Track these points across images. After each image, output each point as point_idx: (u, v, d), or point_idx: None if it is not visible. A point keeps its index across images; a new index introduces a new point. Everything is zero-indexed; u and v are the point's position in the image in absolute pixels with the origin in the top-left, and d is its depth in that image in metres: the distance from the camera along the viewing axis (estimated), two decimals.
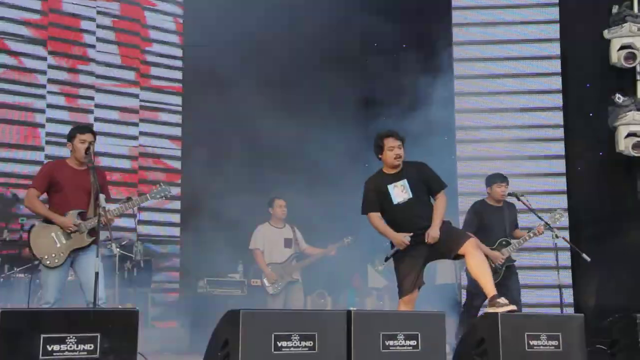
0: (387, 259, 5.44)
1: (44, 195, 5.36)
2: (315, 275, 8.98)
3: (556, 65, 9.59)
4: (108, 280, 7.88)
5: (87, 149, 5.20)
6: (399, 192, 5.36)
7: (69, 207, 5.21)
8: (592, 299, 8.56)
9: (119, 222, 9.10)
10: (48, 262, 5.09)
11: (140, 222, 9.41)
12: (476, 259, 5.17)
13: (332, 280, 9.69)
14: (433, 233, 5.24)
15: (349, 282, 10.25)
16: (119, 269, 8.09)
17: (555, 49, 9.64)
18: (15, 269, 7.21)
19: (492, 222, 6.55)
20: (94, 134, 5.39)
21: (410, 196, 5.36)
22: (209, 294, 8.17)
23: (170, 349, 7.73)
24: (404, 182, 5.38)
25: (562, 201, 9.09)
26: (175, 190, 9.89)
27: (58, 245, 5.14)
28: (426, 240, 5.24)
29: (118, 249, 7.74)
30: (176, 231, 9.82)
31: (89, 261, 5.01)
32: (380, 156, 5.46)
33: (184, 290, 8.89)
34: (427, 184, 5.45)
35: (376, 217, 5.42)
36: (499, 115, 9.62)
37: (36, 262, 5.35)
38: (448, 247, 5.26)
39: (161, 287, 8.90)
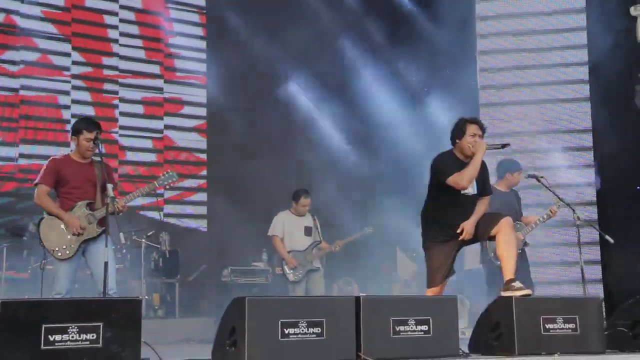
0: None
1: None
2: (341, 262, 8.98)
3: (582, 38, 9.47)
4: (136, 271, 8.07)
5: (95, 139, 5.22)
6: None
7: (76, 200, 5.25)
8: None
9: (146, 213, 9.25)
10: (59, 254, 5.14)
11: (167, 214, 9.50)
12: (506, 237, 5.07)
13: (360, 268, 9.66)
14: (470, 228, 5.16)
15: (377, 270, 10.21)
16: (144, 260, 8.21)
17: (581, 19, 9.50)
18: (43, 261, 7.31)
19: (503, 207, 6.44)
20: (101, 127, 5.41)
21: (475, 192, 5.28)
22: (234, 282, 8.20)
23: (195, 339, 7.79)
24: None
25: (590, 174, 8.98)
26: (202, 182, 9.99)
27: (68, 237, 5.17)
28: (461, 237, 5.17)
29: (127, 241, 7.77)
30: (202, 222, 9.89)
31: (99, 251, 5.04)
32: (458, 140, 5.28)
33: (209, 279, 8.94)
34: (482, 185, 5.36)
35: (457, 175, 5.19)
36: (525, 90, 9.52)
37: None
38: (483, 229, 5.18)
39: (187, 277, 8.95)
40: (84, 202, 5.27)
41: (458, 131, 5.30)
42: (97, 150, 5.25)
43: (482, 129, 5.30)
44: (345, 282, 9.49)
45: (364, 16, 10.34)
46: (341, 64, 10.32)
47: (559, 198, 6.20)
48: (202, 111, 10.19)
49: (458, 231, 5.17)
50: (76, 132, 5.34)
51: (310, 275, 7.31)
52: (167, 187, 5.69)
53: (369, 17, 10.39)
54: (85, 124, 5.41)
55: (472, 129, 5.25)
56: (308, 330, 4.17)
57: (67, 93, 9.35)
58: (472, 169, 5.14)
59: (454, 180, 5.14)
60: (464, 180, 5.13)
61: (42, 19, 9.29)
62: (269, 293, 7.86)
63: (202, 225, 9.89)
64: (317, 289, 7.26)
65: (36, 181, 5.32)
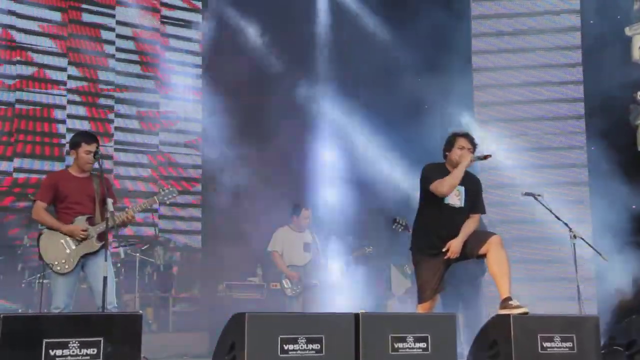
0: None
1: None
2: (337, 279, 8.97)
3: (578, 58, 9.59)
4: (130, 284, 8.05)
5: (95, 154, 5.23)
6: (454, 195, 5.28)
7: (75, 215, 5.25)
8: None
9: (140, 228, 9.21)
10: (58, 269, 5.12)
11: (162, 230, 9.48)
12: (496, 255, 5.07)
13: (354, 284, 9.65)
14: (455, 247, 5.17)
15: (372, 286, 10.20)
16: (139, 274, 8.19)
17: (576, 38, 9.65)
18: (36, 274, 7.30)
19: None
20: (98, 141, 5.43)
21: (462, 205, 5.31)
22: (229, 297, 8.20)
23: (189, 354, 7.75)
24: (462, 188, 5.31)
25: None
26: (196, 198, 9.98)
27: (68, 251, 5.18)
28: (447, 256, 5.17)
29: (137, 254, 7.80)
30: (197, 237, 9.87)
31: (99, 265, 5.03)
32: (447, 153, 5.37)
33: (203, 294, 8.92)
34: (474, 201, 5.39)
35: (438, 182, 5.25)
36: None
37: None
38: (471, 247, 5.20)
39: (181, 292, 8.92)
40: (83, 217, 5.27)
41: (447, 144, 5.41)
42: (97, 165, 5.25)
43: (472, 143, 5.37)
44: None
45: None
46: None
47: (556, 217, 6.23)
48: (198, 127, 10.19)
49: (444, 250, 5.18)
50: (75, 145, 5.35)
51: (308, 292, 7.32)
52: (167, 203, 5.68)
53: None
54: (83, 137, 5.43)
55: (460, 142, 5.35)
56: (307, 346, 4.18)
57: (62, 107, 9.35)
58: (453, 177, 5.20)
59: (434, 186, 5.21)
60: (444, 187, 5.18)
61: (38, 34, 9.30)
62: (264, 308, 7.85)
63: (197, 240, 9.86)
64: (314, 305, 7.26)
65: (34, 197, 5.32)
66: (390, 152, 9.74)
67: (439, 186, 5.20)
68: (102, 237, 5.21)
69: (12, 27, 9.15)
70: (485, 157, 5.39)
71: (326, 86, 10.16)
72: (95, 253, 5.22)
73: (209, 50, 10.27)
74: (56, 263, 5.13)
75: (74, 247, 5.20)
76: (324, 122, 10.10)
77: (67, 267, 5.13)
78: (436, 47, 9.54)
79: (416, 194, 5.59)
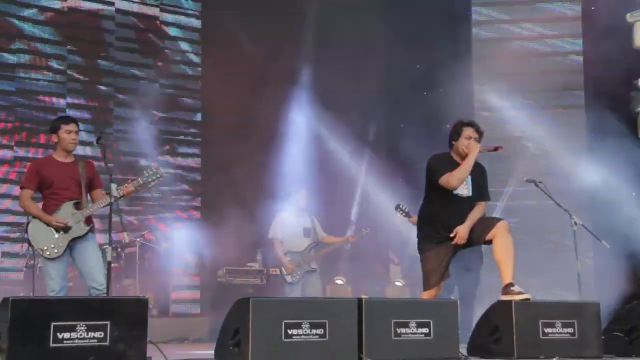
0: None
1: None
2: (335, 264, 9.01)
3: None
4: (130, 269, 8.09)
5: (99, 139, 5.28)
6: (462, 185, 5.25)
7: (62, 200, 5.27)
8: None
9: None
10: (48, 254, 5.16)
11: (161, 219, 9.48)
12: (503, 241, 5.05)
13: (353, 269, 9.70)
14: (463, 233, 5.15)
15: (370, 272, 10.25)
16: (139, 259, 8.20)
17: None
18: (31, 262, 7.30)
19: None
20: (77, 124, 5.43)
21: (470, 194, 5.30)
22: (228, 283, 8.22)
23: (190, 338, 7.80)
24: (469, 177, 5.28)
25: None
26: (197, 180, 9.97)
27: (56, 236, 5.21)
28: (454, 240, 5.17)
29: (138, 239, 7.82)
30: (197, 222, 9.87)
31: (87, 248, 5.19)
32: (453, 142, 5.33)
33: (203, 279, 8.95)
34: (480, 189, 5.38)
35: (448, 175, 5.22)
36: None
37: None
38: (478, 233, 5.18)
39: (181, 277, 8.95)
40: (70, 202, 5.28)
41: (454, 133, 5.35)
42: (100, 155, 5.28)
43: (479, 132, 5.34)
44: (338, 283, 9.53)
45: None
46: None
47: (556, 203, 6.26)
48: (197, 116, 10.15)
49: (451, 235, 5.20)
50: (55, 129, 5.34)
51: (307, 277, 7.34)
52: (151, 184, 5.61)
53: None
54: (61, 119, 5.47)
55: (467, 131, 5.30)
56: (311, 331, 4.20)
57: (62, 95, 9.29)
58: (463, 170, 5.18)
59: (444, 180, 5.18)
60: (454, 180, 5.17)
61: (37, 22, 9.23)
62: (264, 294, 7.89)
63: (197, 225, 9.84)
64: (313, 290, 7.29)
65: (20, 185, 5.36)
66: None
67: (450, 180, 5.18)
68: (89, 220, 5.28)
69: (12, 14, 9.11)
70: (496, 149, 5.38)
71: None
72: (83, 237, 5.25)
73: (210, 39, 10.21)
74: (45, 248, 5.15)
75: (62, 232, 5.22)
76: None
77: (56, 251, 5.16)
78: None
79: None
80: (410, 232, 6.51)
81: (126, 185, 5.31)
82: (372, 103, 10.23)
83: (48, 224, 5.17)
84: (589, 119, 9.32)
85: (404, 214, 7.34)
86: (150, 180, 5.48)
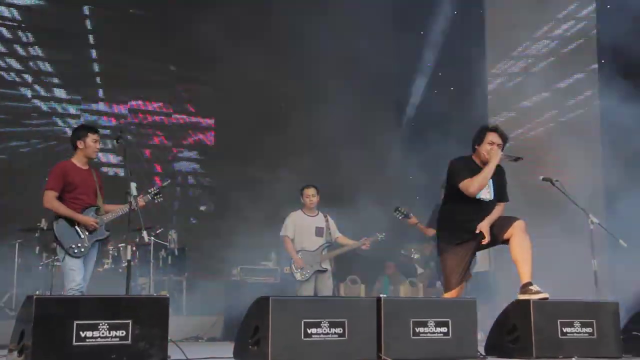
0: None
1: None
2: (348, 263, 8.99)
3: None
4: (144, 268, 8.13)
5: (118, 138, 5.56)
6: (484, 189, 5.26)
7: (82, 205, 5.53)
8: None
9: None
10: (76, 252, 5.42)
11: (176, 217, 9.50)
12: (520, 241, 5.06)
13: (366, 268, 9.68)
14: (485, 230, 5.14)
15: (382, 270, 10.24)
16: (153, 258, 8.22)
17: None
18: (52, 257, 7.36)
19: None
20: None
21: (492, 198, 5.30)
22: (243, 281, 8.23)
23: (204, 337, 7.81)
24: (490, 181, 5.29)
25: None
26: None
27: (82, 236, 5.48)
28: (483, 241, 5.16)
29: (152, 237, 7.84)
30: (211, 220, 9.89)
31: (92, 252, 5.56)
32: (476, 146, 5.33)
33: (218, 278, 8.94)
34: (499, 190, 5.38)
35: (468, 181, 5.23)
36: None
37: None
38: (496, 233, 5.18)
39: (195, 275, 8.95)
40: (92, 209, 5.59)
41: (477, 137, 5.36)
42: (121, 157, 5.48)
43: (503, 138, 5.33)
44: (351, 281, 9.52)
45: None
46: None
47: (573, 202, 6.22)
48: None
49: (477, 232, 5.17)
50: (82, 136, 5.59)
51: (318, 276, 7.30)
52: (152, 197, 5.80)
53: None
54: (87, 128, 5.75)
55: (490, 136, 5.30)
56: (330, 330, 4.23)
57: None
58: (483, 177, 5.18)
59: (464, 186, 5.20)
60: (473, 187, 5.18)
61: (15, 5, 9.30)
62: (278, 292, 7.87)
63: (211, 224, 9.87)
64: (325, 290, 7.26)
65: (45, 187, 5.50)
66: None
67: (469, 186, 5.18)
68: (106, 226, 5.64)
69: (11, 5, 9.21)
70: (517, 159, 5.37)
71: None
72: (102, 240, 5.63)
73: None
74: (73, 246, 5.42)
75: (87, 233, 5.49)
76: None
77: (83, 250, 5.45)
78: None
79: None
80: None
81: (139, 199, 5.49)
82: None
83: (83, 224, 5.44)
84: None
85: (403, 215, 7.34)
86: (154, 195, 5.84)
